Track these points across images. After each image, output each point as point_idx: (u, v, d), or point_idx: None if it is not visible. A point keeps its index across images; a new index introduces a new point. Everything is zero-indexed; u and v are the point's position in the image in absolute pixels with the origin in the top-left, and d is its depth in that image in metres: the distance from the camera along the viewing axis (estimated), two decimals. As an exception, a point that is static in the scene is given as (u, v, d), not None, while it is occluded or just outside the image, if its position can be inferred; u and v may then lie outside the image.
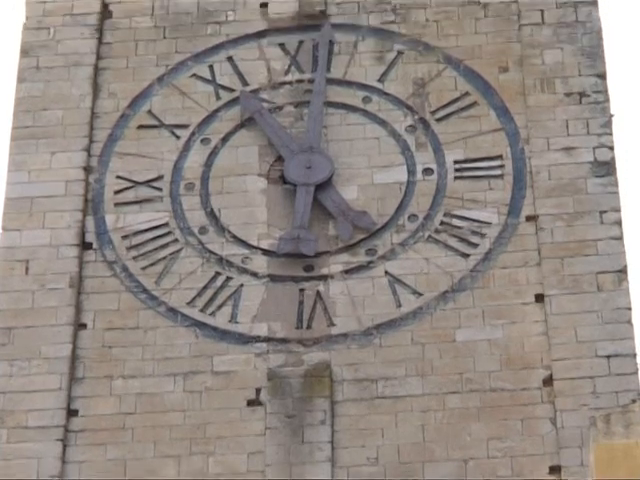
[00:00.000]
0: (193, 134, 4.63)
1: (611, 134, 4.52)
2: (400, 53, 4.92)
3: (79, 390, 3.78)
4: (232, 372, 3.91)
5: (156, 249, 4.21)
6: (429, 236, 4.25)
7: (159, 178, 4.51)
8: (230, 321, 4.02)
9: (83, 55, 4.94)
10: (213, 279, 4.12)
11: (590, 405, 3.57)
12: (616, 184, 4.35)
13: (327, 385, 3.82)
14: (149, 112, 4.74)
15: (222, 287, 4.09)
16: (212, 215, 4.35)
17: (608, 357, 3.81)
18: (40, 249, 4.16)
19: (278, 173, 4.49)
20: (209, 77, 4.84)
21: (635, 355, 3.87)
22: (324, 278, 4.12)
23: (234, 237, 4.25)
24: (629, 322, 3.88)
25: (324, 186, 4.35)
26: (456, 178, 4.47)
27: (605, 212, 4.41)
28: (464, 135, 4.62)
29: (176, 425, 3.78)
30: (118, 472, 3.85)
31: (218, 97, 4.77)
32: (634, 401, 3.08)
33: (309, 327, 3.98)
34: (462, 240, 4.24)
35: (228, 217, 4.33)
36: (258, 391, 3.82)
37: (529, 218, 4.27)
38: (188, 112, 4.73)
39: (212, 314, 4.00)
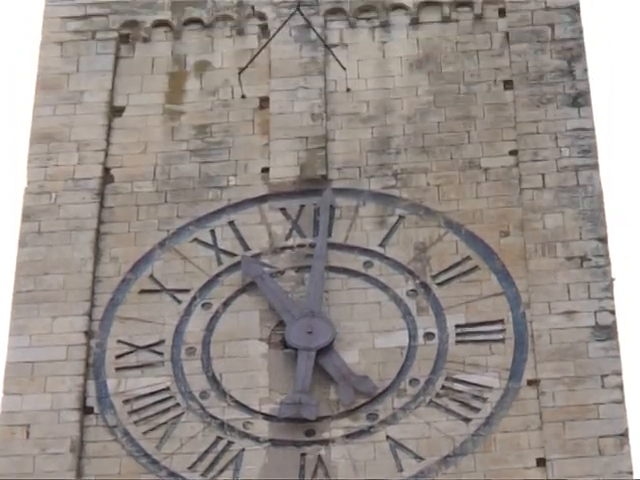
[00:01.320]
0: (194, 299, 7.00)
1: (612, 298, 6.62)
2: (401, 217, 7.36)
3: None
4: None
5: (157, 414, 6.28)
6: (430, 400, 6.21)
7: (160, 342, 6.70)
8: (232, 485, 6.01)
9: (85, 220, 7.45)
10: (214, 444, 6.07)
11: None
12: (617, 348, 6.29)
13: None
14: (151, 277, 7.18)
15: (223, 451, 6.02)
16: (213, 379, 6.45)
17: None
18: (41, 414, 6.18)
19: (279, 337, 6.62)
20: (210, 242, 7.35)
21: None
22: (325, 442, 6.06)
23: (235, 401, 6.29)
24: (630, 485, 5.50)
25: (325, 350, 6.38)
26: (457, 342, 6.56)
27: (606, 376, 6.13)
28: (465, 299, 6.82)
29: None
30: None
31: (219, 262, 7.23)
32: None
33: (311, 491, 5.70)
34: (464, 404, 6.19)
35: (229, 381, 6.41)
36: None
37: (530, 382, 6.26)
38: (189, 277, 7.27)
39: (213, 479, 5.95)
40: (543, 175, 7.59)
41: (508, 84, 8.29)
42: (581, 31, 8.49)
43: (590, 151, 7.70)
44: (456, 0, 8.73)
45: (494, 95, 8.29)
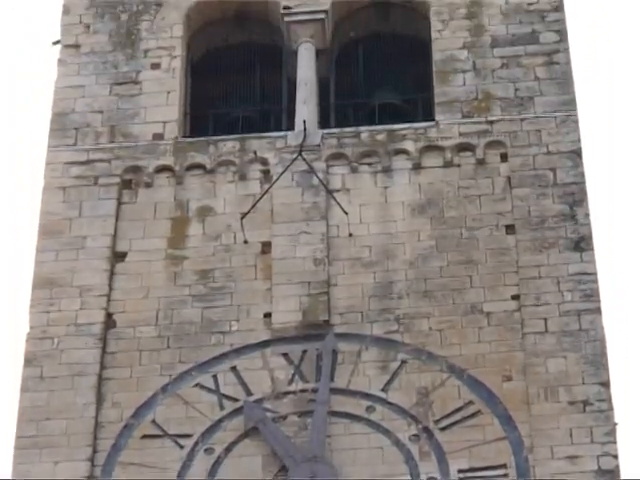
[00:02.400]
0: (197, 444, 8.26)
1: (615, 442, 7.84)
2: (404, 362, 8.64)
3: None
4: None
5: None
6: (435, 541, 7.60)
7: (164, 487, 8.14)
8: None
9: (87, 365, 8.81)
10: None
11: None
12: (619, 484, 7.56)
13: None
14: (153, 422, 8.47)
15: None
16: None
17: None
18: None
19: (282, 482, 7.55)
20: (213, 387, 8.67)
21: None
22: None
23: None
24: None
25: (328, 496, 7.45)
26: (460, 486, 7.86)
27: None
28: (468, 444, 7.97)
29: None
30: None
31: (222, 407, 8.52)
32: None
33: None
34: None
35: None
36: None
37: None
38: (192, 422, 8.47)
39: None
40: (545, 319, 9.10)
41: (510, 229, 9.95)
42: (583, 175, 10.22)
43: (592, 295, 9.19)
44: (458, 145, 10.70)
45: (496, 240, 9.96)
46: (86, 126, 10.91)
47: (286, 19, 11.61)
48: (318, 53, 11.53)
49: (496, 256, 9.83)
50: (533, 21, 11.42)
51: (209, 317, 9.59)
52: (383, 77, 11.95)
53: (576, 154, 10.42)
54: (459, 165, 10.63)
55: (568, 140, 10.45)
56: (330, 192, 10.24)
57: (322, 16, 11.58)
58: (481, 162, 10.60)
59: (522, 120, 10.71)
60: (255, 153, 10.72)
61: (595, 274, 9.42)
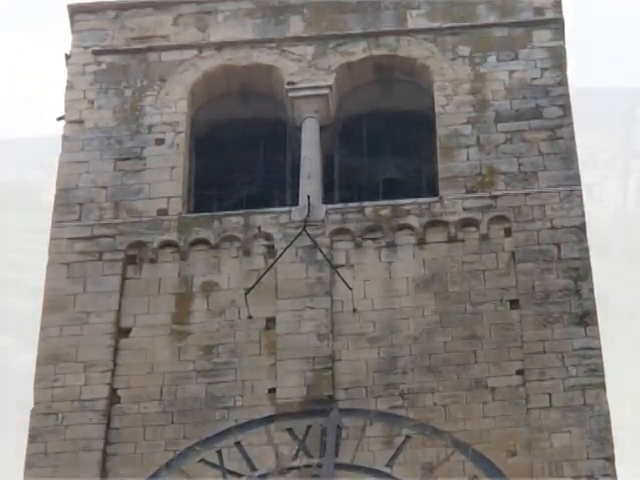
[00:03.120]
0: None
1: None
2: (408, 437, 9.08)
3: None
4: None
5: None
6: None
7: None
8: None
9: (91, 440, 9.23)
10: None
11: None
12: None
13: None
14: None
15: None
16: None
17: None
18: None
19: None
20: (217, 462, 9.11)
21: None
22: None
23: None
24: None
25: None
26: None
27: None
28: None
29: None
30: None
31: None
32: None
33: None
34: None
35: None
36: None
37: None
38: None
39: None
40: (550, 394, 9.64)
41: (514, 303, 10.62)
42: (587, 250, 10.89)
43: (597, 370, 9.74)
44: (462, 220, 11.49)
45: (500, 315, 10.61)
46: (90, 202, 11.63)
47: (290, 94, 12.48)
48: (322, 128, 12.34)
49: (500, 331, 10.46)
50: (537, 96, 12.24)
51: (213, 392, 10.18)
52: (387, 152, 12.84)
53: (580, 229, 11.15)
54: (463, 240, 11.35)
55: (572, 215, 11.18)
56: (334, 267, 10.92)
57: (326, 91, 12.52)
58: (485, 237, 11.34)
59: (526, 195, 11.43)
60: (259, 228, 11.48)
61: (599, 349, 10.02)
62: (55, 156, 12.79)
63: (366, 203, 11.94)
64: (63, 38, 13.82)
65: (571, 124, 12.01)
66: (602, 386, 9.75)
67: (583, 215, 11.23)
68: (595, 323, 10.34)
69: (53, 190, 12.59)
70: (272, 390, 10.24)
